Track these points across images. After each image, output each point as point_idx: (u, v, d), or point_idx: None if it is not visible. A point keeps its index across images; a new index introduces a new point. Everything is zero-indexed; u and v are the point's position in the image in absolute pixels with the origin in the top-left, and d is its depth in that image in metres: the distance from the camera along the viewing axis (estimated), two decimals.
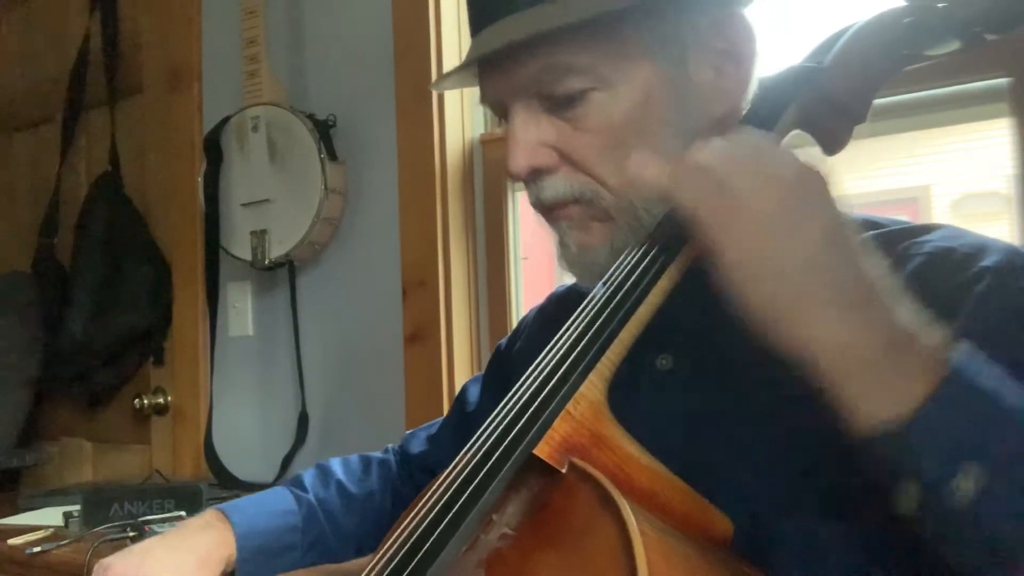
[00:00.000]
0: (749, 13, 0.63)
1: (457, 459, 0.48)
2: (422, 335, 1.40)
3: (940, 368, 0.43)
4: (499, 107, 0.65)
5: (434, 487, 0.47)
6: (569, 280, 0.72)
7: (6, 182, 2.12)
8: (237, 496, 1.31)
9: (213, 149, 1.55)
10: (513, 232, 1.41)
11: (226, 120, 1.55)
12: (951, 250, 0.55)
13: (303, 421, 1.53)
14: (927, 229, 0.58)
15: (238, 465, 1.52)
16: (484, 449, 0.46)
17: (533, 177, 0.63)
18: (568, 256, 0.64)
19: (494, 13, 0.61)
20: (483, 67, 0.65)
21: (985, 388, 0.43)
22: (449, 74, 0.68)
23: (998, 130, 1.01)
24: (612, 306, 0.52)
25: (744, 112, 0.64)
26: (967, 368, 0.43)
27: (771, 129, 0.58)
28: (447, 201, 1.40)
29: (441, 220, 1.40)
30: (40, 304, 1.82)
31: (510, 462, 0.45)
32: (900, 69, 0.60)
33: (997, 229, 1.05)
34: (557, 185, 0.62)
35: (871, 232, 0.60)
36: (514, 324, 1.40)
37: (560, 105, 0.61)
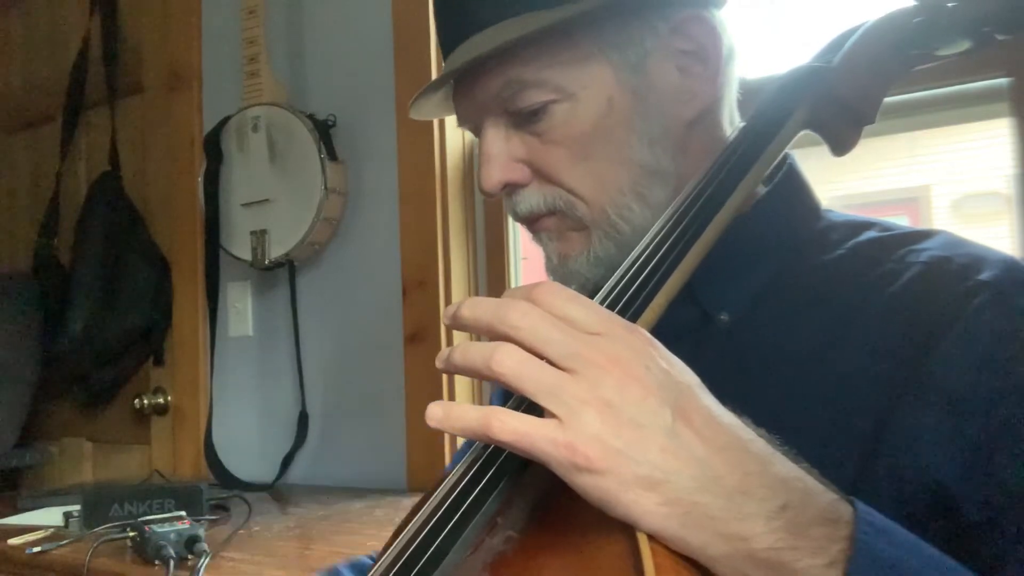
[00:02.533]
0: (716, 14, 0.62)
1: (464, 458, 0.46)
2: (422, 335, 1.40)
3: (843, 543, 0.39)
4: (474, 128, 0.66)
5: (439, 489, 0.46)
6: None
7: (6, 182, 2.12)
8: (237, 496, 1.32)
9: (213, 149, 1.55)
10: (513, 232, 1.41)
11: (226, 120, 1.55)
12: (948, 260, 0.54)
13: (303, 421, 1.53)
14: (925, 235, 0.57)
15: (238, 465, 1.52)
16: (491, 449, 0.45)
17: (507, 192, 0.64)
18: (551, 267, 0.65)
19: (457, 35, 0.62)
20: (455, 90, 0.66)
21: (892, 559, 0.39)
22: (419, 96, 0.68)
23: (998, 130, 1.01)
24: (635, 285, 0.50)
25: (746, 115, 0.64)
26: (872, 542, 0.39)
27: (779, 129, 0.57)
28: (447, 201, 1.41)
29: (441, 220, 1.40)
30: (40, 304, 1.82)
31: (517, 462, 0.44)
32: (909, 69, 0.59)
33: (997, 229, 1.05)
34: (530, 199, 0.62)
35: (869, 235, 0.59)
36: None
37: (526, 119, 0.61)
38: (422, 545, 0.43)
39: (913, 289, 0.53)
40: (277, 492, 1.46)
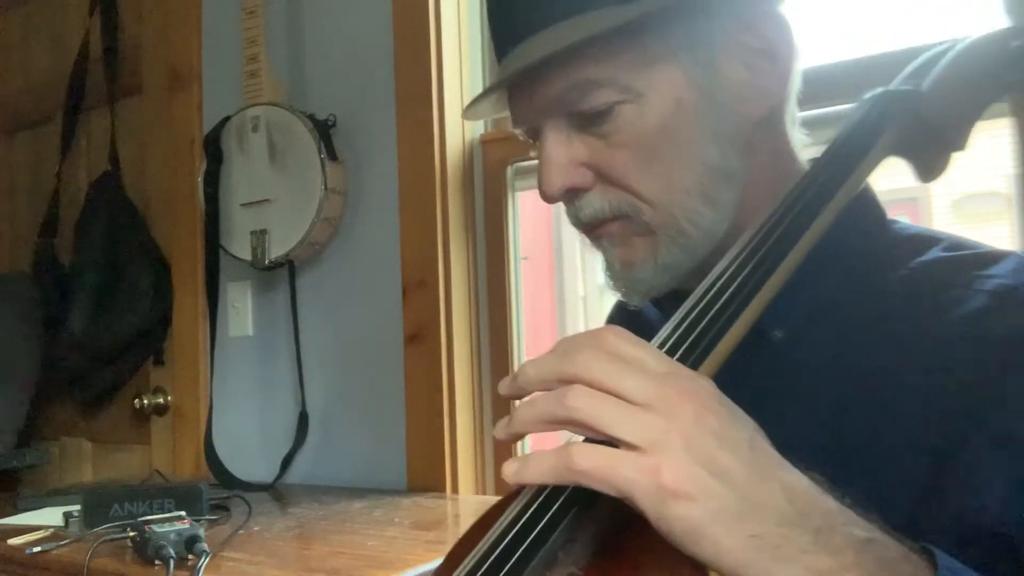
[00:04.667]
0: (784, 9, 0.61)
1: (526, 490, 0.44)
2: (422, 335, 1.40)
3: None
4: (531, 131, 0.64)
5: (498, 522, 0.43)
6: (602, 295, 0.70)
7: (6, 182, 2.12)
8: (237, 496, 1.32)
9: (213, 149, 1.55)
10: (513, 232, 1.41)
11: (226, 120, 1.55)
12: (1015, 289, 0.51)
13: (303, 421, 1.53)
14: (994, 258, 0.54)
15: (238, 465, 1.52)
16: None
17: (569, 197, 0.62)
18: (612, 274, 0.63)
19: (515, 35, 0.60)
20: (511, 92, 0.64)
21: None
22: (475, 101, 0.67)
23: (998, 130, 1.01)
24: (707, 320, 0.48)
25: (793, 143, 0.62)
26: None
27: (866, 154, 0.55)
28: (447, 201, 1.40)
29: (441, 220, 1.40)
30: (40, 304, 1.82)
31: (584, 496, 0.41)
32: (1004, 95, 0.57)
33: (997, 229, 1.05)
34: (594, 203, 0.61)
35: (934, 253, 0.57)
36: (514, 324, 1.40)
37: (590, 121, 0.59)
38: None
39: (979, 320, 0.51)
40: (277, 492, 1.46)
